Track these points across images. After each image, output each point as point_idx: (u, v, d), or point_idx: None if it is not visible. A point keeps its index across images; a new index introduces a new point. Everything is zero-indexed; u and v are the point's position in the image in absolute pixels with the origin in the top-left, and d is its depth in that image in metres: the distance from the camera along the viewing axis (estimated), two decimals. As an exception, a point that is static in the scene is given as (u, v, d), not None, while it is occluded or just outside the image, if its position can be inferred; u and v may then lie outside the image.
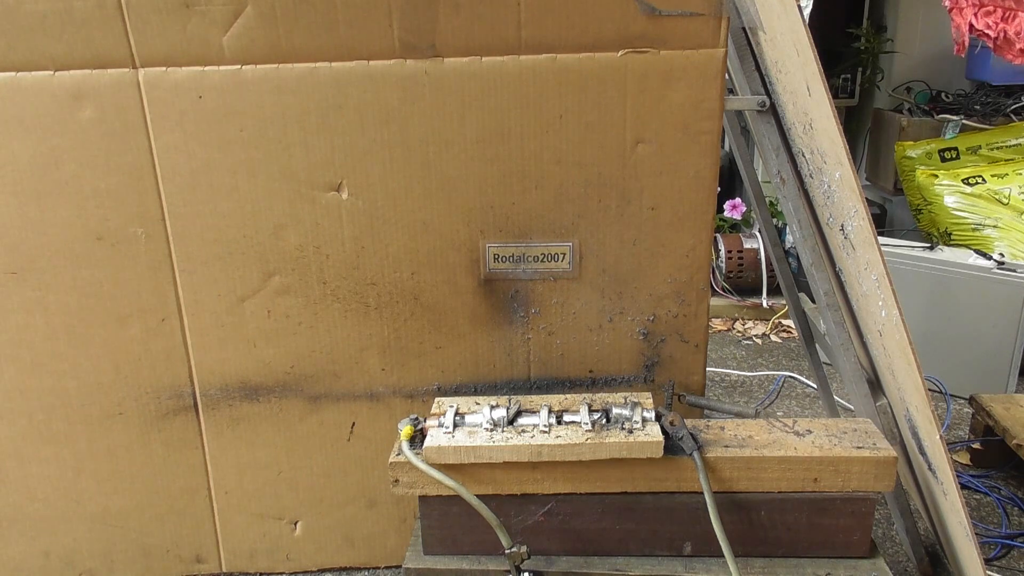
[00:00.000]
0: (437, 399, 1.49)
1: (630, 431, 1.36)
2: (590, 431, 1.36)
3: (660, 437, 1.34)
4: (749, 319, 2.94)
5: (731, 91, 1.72)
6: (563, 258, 1.53)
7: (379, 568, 1.73)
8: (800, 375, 2.52)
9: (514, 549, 1.33)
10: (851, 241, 1.46)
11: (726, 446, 1.39)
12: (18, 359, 1.54)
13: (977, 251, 2.37)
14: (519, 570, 1.32)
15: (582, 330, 1.58)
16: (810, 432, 1.42)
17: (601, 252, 1.52)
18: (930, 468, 1.47)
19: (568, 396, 1.47)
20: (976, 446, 2.04)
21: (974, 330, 2.35)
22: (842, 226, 1.46)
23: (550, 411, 1.41)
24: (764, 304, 2.94)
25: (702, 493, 1.33)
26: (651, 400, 1.44)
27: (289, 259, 1.51)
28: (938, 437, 1.38)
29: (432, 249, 1.51)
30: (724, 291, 2.99)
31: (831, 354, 1.62)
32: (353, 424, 1.63)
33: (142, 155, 1.43)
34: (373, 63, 1.38)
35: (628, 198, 1.47)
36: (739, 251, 2.99)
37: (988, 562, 1.71)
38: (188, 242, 1.49)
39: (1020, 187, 2.64)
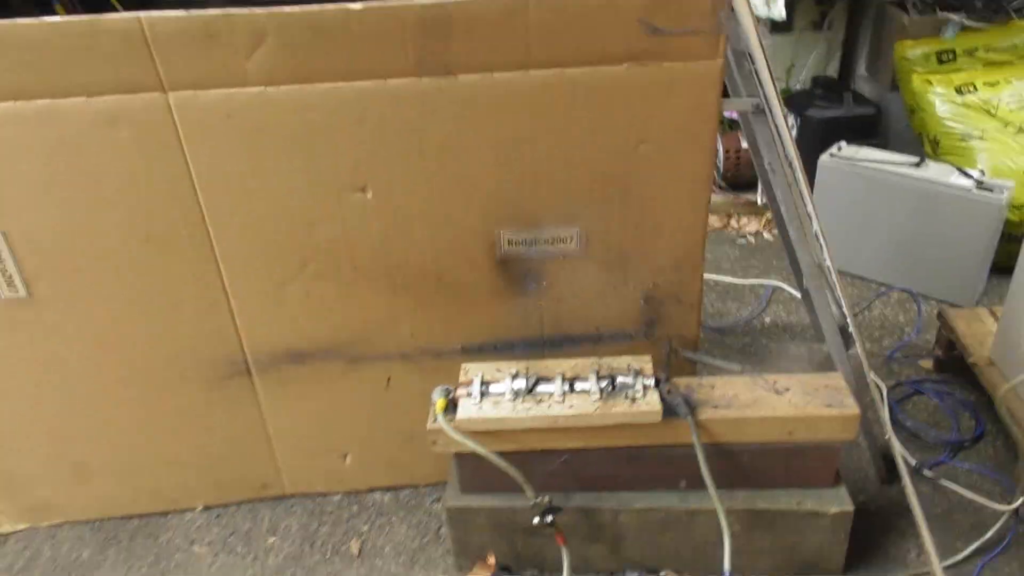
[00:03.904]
0: (464, 365, 1.71)
1: (633, 400, 1.58)
2: (598, 400, 1.58)
3: (659, 406, 1.56)
4: (744, 215, 3.09)
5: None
6: (571, 240, 1.68)
7: (419, 486, 2.03)
8: (787, 284, 2.72)
9: (538, 500, 1.59)
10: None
11: (715, 407, 1.62)
12: (89, 339, 1.73)
13: (960, 169, 2.49)
14: (543, 516, 1.60)
15: (589, 297, 1.76)
16: (788, 390, 1.65)
17: (605, 235, 1.67)
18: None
19: (578, 361, 1.69)
20: (938, 353, 2.29)
21: (952, 243, 2.52)
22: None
23: (563, 378, 1.63)
24: (759, 201, 3.08)
25: (692, 443, 1.58)
26: (651, 365, 1.66)
27: (321, 250, 1.66)
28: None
29: (451, 237, 1.66)
30: (721, 188, 3.12)
31: (812, 310, 1.82)
32: (388, 378, 1.85)
33: (179, 168, 1.55)
34: (391, 81, 1.48)
35: (630, 190, 1.61)
36: (736, 151, 3.09)
37: (936, 465, 2.00)
38: (228, 239, 1.64)
39: (1010, 96, 2.71)
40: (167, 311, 1.72)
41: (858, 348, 1.72)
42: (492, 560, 1.70)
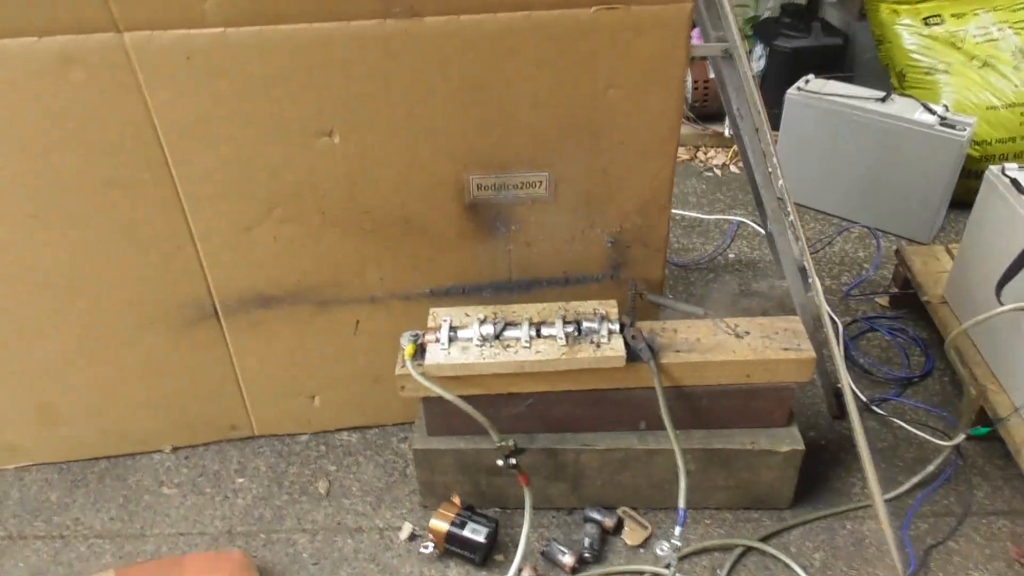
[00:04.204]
0: (432, 310, 1.72)
1: (598, 345, 1.62)
2: (564, 346, 1.61)
3: (622, 351, 1.60)
4: (711, 147, 3.10)
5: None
6: (540, 185, 1.68)
7: (386, 426, 2.07)
8: (751, 220, 2.75)
9: (502, 443, 1.64)
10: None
11: (677, 351, 1.67)
12: (53, 286, 1.71)
13: (924, 105, 2.51)
14: (507, 459, 1.64)
15: (557, 241, 1.77)
16: (748, 333, 1.69)
17: (574, 179, 1.67)
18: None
19: (545, 306, 1.71)
20: (894, 290, 2.35)
21: (913, 179, 2.56)
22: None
23: (530, 323, 1.66)
24: (726, 133, 3.08)
25: (654, 386, 1.63)
26: (616, 310, 1.69)
27: (288, 194, 1.64)
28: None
29: (420, 182, 1.65)
30: (689, 119, 3.11)
31: (775, 250, 1.85)
32: (357, 322, 1.86)
33: (139, 110, 1.50)
34: (354, 23, 1.43)
35: (599, 134, 1.60)
36: (705, 81, 3.06)
37: (884, 401, 2.08)
38: (193, 183, 1.61)
39: (976, 28, 2.70)
40: (132, 255, 1.70)
41: (816, 290, 1.76)
42: (457, 500, 1.75)
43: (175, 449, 2.02)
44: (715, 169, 3.03)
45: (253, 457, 2.00)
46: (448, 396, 1.59)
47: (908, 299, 2.31)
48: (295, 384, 1.97)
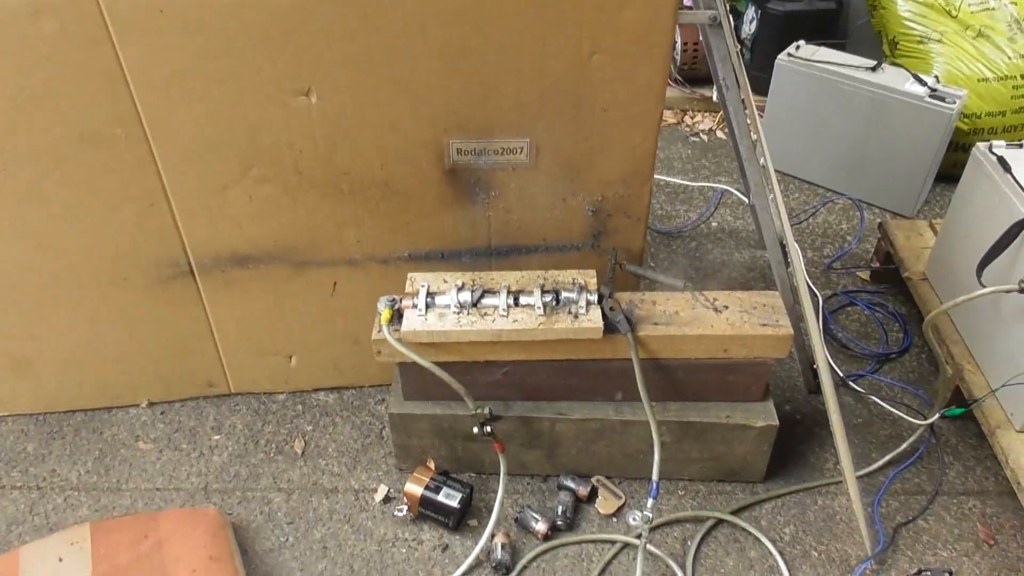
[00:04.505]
0: (410, 275, 1.70)
1: (576, 316, 1.61)
2: (542, 315, 1.61)
3: (600, 323, 1.60)
4: (698, 111, 3.06)
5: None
6: (521, 151, 1.65)
7: (364, 387, 2.06)
8: (735, 188, 2.73)
9: (478, 411, 1.64)
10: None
11: (655, 323, 1.66)
12: (23, 241, 1.68)
13: (915, 75, 2.48)
14: (482, 426, 1.65)
15: (538, 208, 1.75)
16: (727, 308, 1.69)
17: (556, 147, 1.64)
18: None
19: (524, 274, 1.70)
20: (876, 264, 2.35)
21: (900, 151, 2.54)
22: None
23: (508, 291, 1.65)
24: (714, 97, 3.03)
25: (631, 358, 1.63)
26: (595, 279, 1.68)
27: (265, 154, 1.61)
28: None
29: (399, 146, 1.62)
30: (677, 82, 3.06)
31: (758, 223, 1.84)
32: (335, 284, 1.85)
33: (111, 64, 1.46)
34: (334, -17, 1.39)
35: (582, 102, 1.57)
36: (695, 43, 3.01)
37: (860, 377, 2.10)
38: (167, 141, 1.57)
39: (972, -3, 2.67)
40: (105, 211, 1.67)
41: (794, 267, 1.76)
42: (431, 465, 1.76)
43: (151, 404, 2.01)
44: (701, 134, 3.00)
45: (229, 414, 2.00)
46: (424, 363, 1.59)
47: (889, 274, 2.31)
48: (272, 343, 1.95)
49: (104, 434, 1.94)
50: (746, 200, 2.60)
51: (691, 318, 1.67)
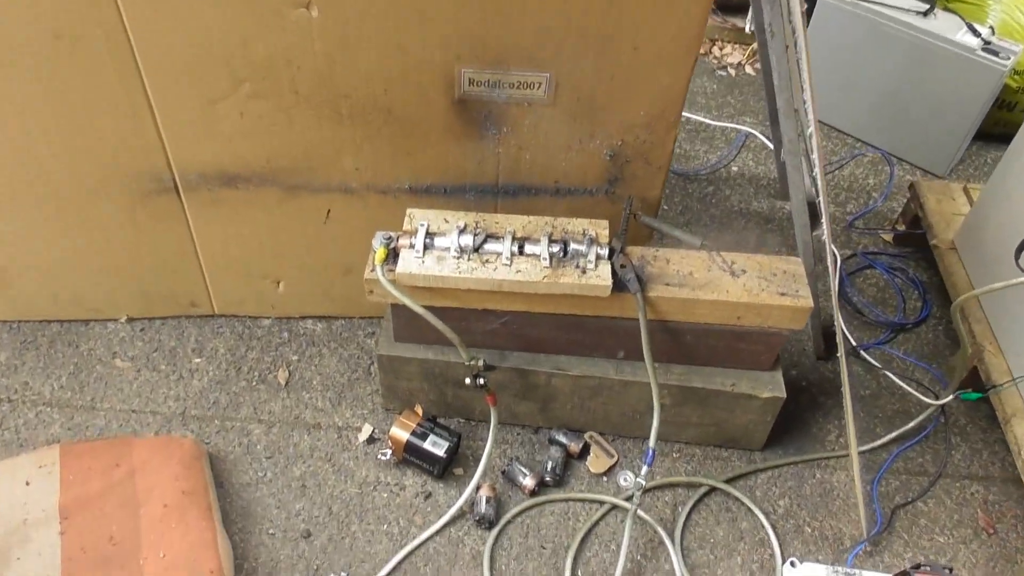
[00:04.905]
0: (409, 210, 1.58)
1: (584, 271, 1.50)
2: (547, 267, 1.50)
3: (609, 280, 1.49)
4: (728, 42, 2.86)
5: None
6: (539, 87, 1.51)
7: (354, 318, 1.97)
8: (760, 132, 2.57)
9: (471, 363, 1.55)
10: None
11: (667, 283, 1.55)
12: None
13: (968, 24, 2.29)
14: (476, 378, 1.56)
15: (552, 148, 1.62)
16: (744, 272, 1.58)
17: (578, 84, 1.50)
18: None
19: (532, 219, 1.58)
20: (901, 227, 2.23)
21: (942, 105, 2.38)
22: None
23: (513, 238, 1.53)
24: (747, 28, 2.83)
25: (638, 319, 1.53)
26: (607, 232, 1.56)
27: (258, 69, 1.46)
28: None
29: (405, 69, 1.47)
30: (709, 9, 2.85)
31: (785, 180, 1.71)
32: (329, 211, 1.73)
33: (88, -46, 1.31)
34: None
35: (611, 37, 1.42)
36: (732, -32, 2.79)
37: (873, 347, 2.01)
38: (151, 46, 1.43)
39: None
40: (83, 119, 1.54)
41: (826, 231, 1.64)
42: (419, 410, 1.69)
43: (131, 320, 1.92)
44: (729, 68, 2.81)
45: (212, 337, 1.91)
46: (418, 309, 1.49)
47: (915, 239, 2.19)
48: (260, 267, 1.85)
49: (80, 348, 1.86)
50: (771, 145, 2.47)
51: (706, 281, 1.56)
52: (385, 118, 1.56)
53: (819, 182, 1.59)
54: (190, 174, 1.65)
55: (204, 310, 1.94)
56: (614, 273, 1.51)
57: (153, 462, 1.55)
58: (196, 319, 1.93)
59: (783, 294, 1.55)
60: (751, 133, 2.56)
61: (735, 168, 2.45)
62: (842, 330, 1.68)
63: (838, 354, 1.63)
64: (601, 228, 1.57)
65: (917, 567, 1.43)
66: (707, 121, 2.60)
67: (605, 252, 1.52)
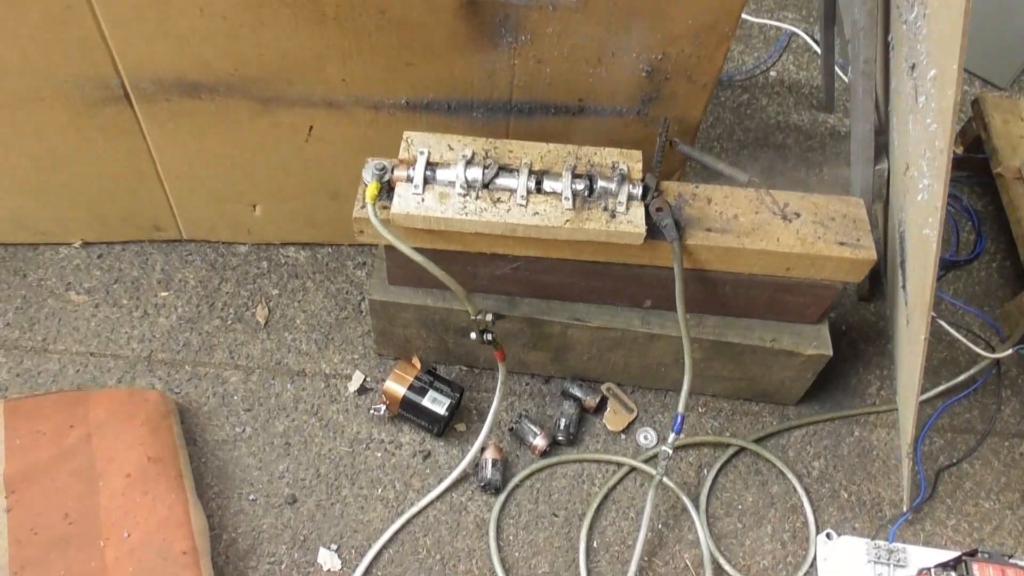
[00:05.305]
0: (406, 134, 1.33)
1: (613, 214, 1.27)
2: (570, 209, 1.26)
3: (642, 227, 1.26)
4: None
5: None
6: (567, -13, 1.23)
7: (342, 245, 1.74)
8: (805, 32, 2.25)
9: (477, 317, 1.34)
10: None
11: (708, 229, 1.33)
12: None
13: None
14: (482, 333, 1.36)
15: (578, 62, 1.35)
16: (798, 216, 1.35)
17: (615, -15, 1.22)
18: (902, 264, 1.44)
19: (552, 148, 1.33)
20: (959, 149, 1.98)
21: (1016, 7, 2.06)
22: None
23: (530, 171, 1.29)
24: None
25: (672, 268, 1.32)
26: (640, 165, 1.32)
27: (220, -45, 1.18)
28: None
29: (404, -39, 1.19)
30: None
31: (852, 109, 1.45)
32: (310, 128, 1.47)
33: None
34: None
35: (662, -73, 1.13)
36: None
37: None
38: (81, -78, 1.13)
39: None
40: (6, 11, 1.25)
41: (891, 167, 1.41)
42: (417, 363, 1.49)
43: (86, 244, 1.69)
44: (771, -50, 2.46)
45: (180, 266, 1.68)
46: (416, 257, 1.26)
47: (974, 163, 1.94)
48: (231, 189, 1.60)
49: (28, 277, 1.63)
50: (816, 47, 2.18)
51: (753, 226, 1.34)
52: (378, 21, 1.28)
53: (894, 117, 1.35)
54: (143, 80, 1.37)
55: (170, 234, 1.70)
56: (648, 217, 1.28)
57: (113, 423, 1.35)
58: (162, 244, 1.70)
59: (842, 243, 1.33)
60: (795, 33, 2.25)
61: (773, 73, 2.16)
62: (901, 266, 1.47)
63: (887, 292, 1.43)
64: (634, 161, 1.32)
65: (973, 553, 1.29)
66: (749, 18, 2.27)
67: (638, 191, 1.29)
